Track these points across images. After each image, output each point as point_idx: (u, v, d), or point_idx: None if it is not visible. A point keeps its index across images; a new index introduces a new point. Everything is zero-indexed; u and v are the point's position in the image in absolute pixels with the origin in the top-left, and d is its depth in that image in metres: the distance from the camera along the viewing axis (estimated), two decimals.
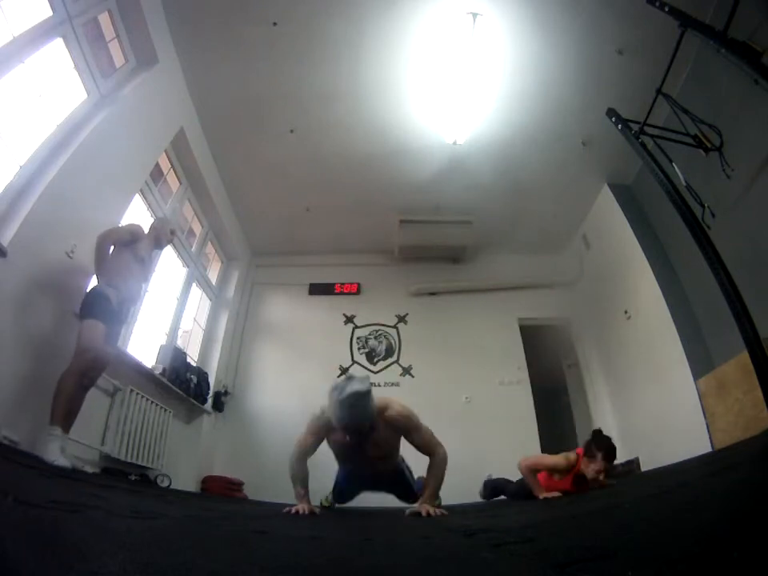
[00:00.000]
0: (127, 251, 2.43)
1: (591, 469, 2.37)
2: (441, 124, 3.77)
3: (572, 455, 2.52)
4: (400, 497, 2.45)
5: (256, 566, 0.73)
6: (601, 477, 2.35)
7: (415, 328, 5.02)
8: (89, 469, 1.97)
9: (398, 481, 2.33)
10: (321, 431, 2.02)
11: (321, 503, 2.49)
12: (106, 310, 2.22)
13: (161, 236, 2.69)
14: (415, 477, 2.45)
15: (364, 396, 1.76)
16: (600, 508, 1.58)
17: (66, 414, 2.01)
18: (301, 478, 1.99)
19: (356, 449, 1.96)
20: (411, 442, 2.02)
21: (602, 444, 2.39)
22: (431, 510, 1.77)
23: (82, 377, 2.10)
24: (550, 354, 5.22)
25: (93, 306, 2.19)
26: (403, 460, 2.35)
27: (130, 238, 2.45)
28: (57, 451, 1.93)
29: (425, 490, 1.95)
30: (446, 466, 1.98)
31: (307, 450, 2.03)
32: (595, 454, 2.36)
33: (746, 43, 2.29)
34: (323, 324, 5.06)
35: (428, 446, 1.99)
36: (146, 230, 2.65)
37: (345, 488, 2.41)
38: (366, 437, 1.89)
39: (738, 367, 2.47)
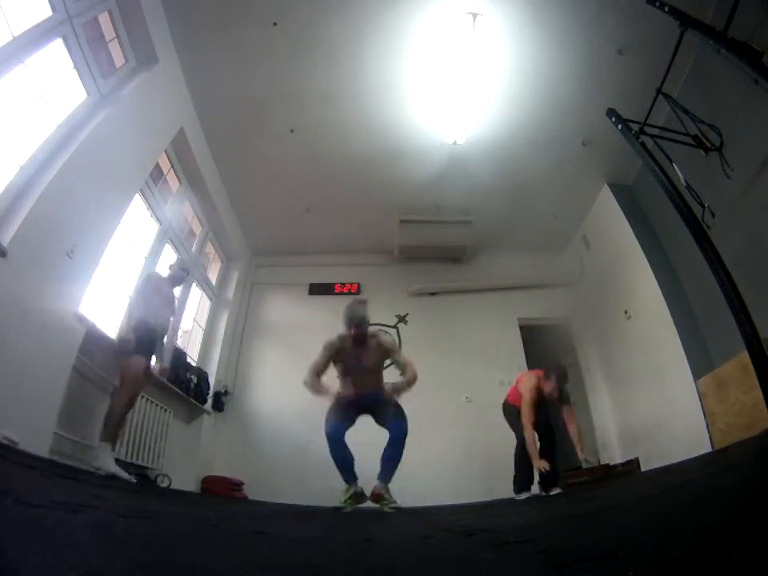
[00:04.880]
0: (154, 294, 2.84)
1: (546, 387, 3.11)
2: (441, 124, 3.76)
3: (533, 379, 3.17)
4: (392, 418, 2.59)
5: (256, 566, 0.73)
6: (555, 394, 3.10)
7: (415, 328, 5.01)
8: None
9: (383, 400, 2.64)
10: (332, 350, 2.62)
11: (341, 502, 2.43)
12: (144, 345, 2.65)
13: (174, 275, 3.06)
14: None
15: (362, 303, 2.67)
16: (600, 508, 1.58)
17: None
18: (317, 384, 2.53)
19: (355, 358, 2.60)
20: (392, 361, 2.74)
21: (555, 370, 3.15)
22: (393, 394, 2.53)
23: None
24: (550, 354, 5.22)
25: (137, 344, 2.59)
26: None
27: (155, 286, 2.89)
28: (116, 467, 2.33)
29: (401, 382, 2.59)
30: (416, 377, 2.59)
31: (319, 367, 2.58)
32: (550, 377, 3.12)
33: (746, 43, 2.29)
34: (323, 324, 5.02)
35: (405, 364, 2.66)
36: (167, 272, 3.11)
37: (338, 417, 2.54)
38: (363, 340, 2.61)
39: (738, 367, 2.47)
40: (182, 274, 3.12)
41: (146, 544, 0.77)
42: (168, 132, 3.45)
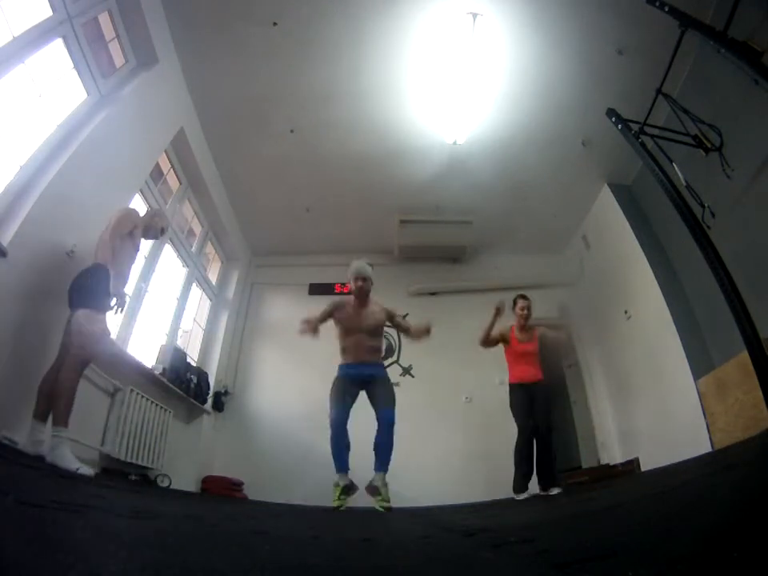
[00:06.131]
0: (128, 239, 2.39)
1: (516, 313, 3.50)
2: (441, 124, 3.76)
3: (504, 329, 3.53)
4: (384, 402, 2.71)
5: (256, 566, 0.73)
6: (524, 312, 3.47)
7: None
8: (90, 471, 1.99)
9: (384, 379, 2.85)
10: (332, 307, 2.84)
11: (334, 502, 2.55)
12: (106, 298, 2.17)
13: (150, 227, 2.61)
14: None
15: (366, 264, 2.85)
16: (600, 508, 1.58)
17: (69, 412, 1.98)
18: (314, 322, 2.70)
19: (356, 316, 2.81)
20: (393, 322, 2.95)
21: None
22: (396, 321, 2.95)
23: (81, 374, 2.10)
24: (550, 354, 5.21)
25: (97, 294, 2.12)
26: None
27: (132, 227, 2.42)
28: (73, 457, 1.93)
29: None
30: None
31: (317, 316, 2.76)
32: (514, 304, 3.53)
33: (746, 43, 2.29)
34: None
35: (404, 322, 3.02)
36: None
37: (340, 399, 2.70)
38: (365, 298, 2.85)
39: (738, 367, 2.47)
40: (157, 233, 2.68)
41: (146, 544, 0.77)
42: (168, 132, 3.46)
